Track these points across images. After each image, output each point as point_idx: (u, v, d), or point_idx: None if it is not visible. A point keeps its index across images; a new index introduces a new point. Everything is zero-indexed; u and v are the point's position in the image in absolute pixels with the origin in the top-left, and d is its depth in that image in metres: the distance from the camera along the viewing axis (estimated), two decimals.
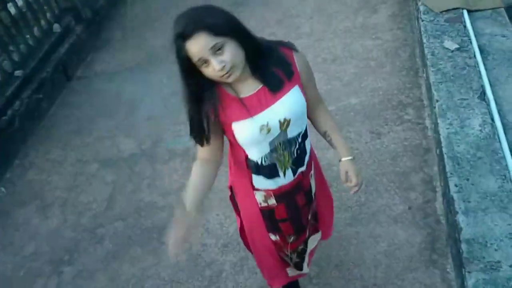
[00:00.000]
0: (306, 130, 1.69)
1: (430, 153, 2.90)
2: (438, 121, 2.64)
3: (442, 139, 2.53)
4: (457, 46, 3.10)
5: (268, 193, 1.75)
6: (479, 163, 2.35)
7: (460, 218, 2.14)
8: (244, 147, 1.62)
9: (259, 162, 1.65)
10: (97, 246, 2.95)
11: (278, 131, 1.57)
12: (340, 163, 1.81)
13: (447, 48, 3.12)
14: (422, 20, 3.44)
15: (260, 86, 1.54)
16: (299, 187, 1.78)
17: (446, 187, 2.41)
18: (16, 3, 4.20)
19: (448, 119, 2.62)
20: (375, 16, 4.26)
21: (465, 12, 3.39)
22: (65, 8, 4.80)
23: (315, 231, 2.05)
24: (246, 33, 1.48)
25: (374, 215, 2.66)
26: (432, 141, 2.96)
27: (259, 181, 1.72)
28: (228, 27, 1.42)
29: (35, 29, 4.40)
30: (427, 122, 3.11)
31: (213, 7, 1.46)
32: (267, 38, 1.59)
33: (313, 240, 2.07)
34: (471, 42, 3.11)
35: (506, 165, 2.30)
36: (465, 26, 3.26)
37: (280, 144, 1.61)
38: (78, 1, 4.85)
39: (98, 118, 4.03)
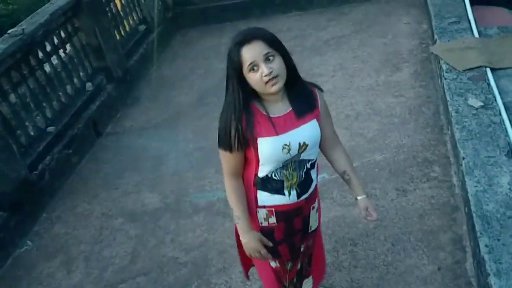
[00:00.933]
0: (315, 162, 1.87)
1: (458, 212, 2.84)
2: (465, 178, 2.60)
3: (470, 197, 2.48)
4: (481, 103, 3.11)
5: (270, 211, 1.88)
6: (510, 223, 2.29)
7: (492, 280, 2.06)
8: (261, 163, 1.77)
9: (269, 175, 1.80)
10: None
11: (296, 152, 1.76)
12: (358, 200, 1.98)
13: (471, 106, 3.12)
14: (445, 78, 3.48)
15: (289, 109, 1.75)
16: (299, 210, 1.92)
17: (476, 247, 2.34)
18: (51, 62, 4.43)
19: (476, 176, 2.58)
20: (398, 74, 4.33)
21: (488, 70, 3.42)
22: (97, 68, 5.02)
23: (307, 275, 2.16)
24: (290, 58, 1.72)
25: (402, 276, 2.58)
26: (460, 199, 2.90)
27: (263, 197, 1.85)
28: (279, 44, 1.68)
29: (68, 87, 4.60)
30: (454, 180, 3.07)
31: (268, 31, 1.70)
32: None
33: (306, 285, 2.18)
34: (495, 100, 3.11)
35: None
36: (489, 84, 3.28)
37: (292, 163, 1.78)
38: (110, 61, 5.09)
39: (125, 173, 4.11)
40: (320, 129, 1.82)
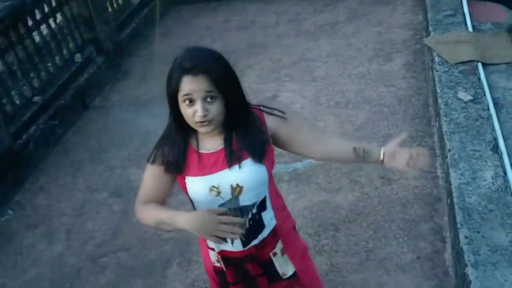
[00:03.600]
0: (264, 202, 1.60)
1: (440, 203, 2.88)
2: (450, 171, 2.63)
3: (453, 189, 2.51)
4: (470, 97, 3.13)
5: (218, 256, 1.69)
6: (490, 216, 2.32)
7: (469, 271, 2.10)
8: (194, 203, 1.58)
9: None
10: (99, 276, 2.92)
11: (229, 196, 1.52)
12: (384, 156, 1.58)
13: (460, 99, 3.15)
14: (437, 71, 3.49)
15: (222, 147, 1.52)
16: (250, 257, 1.67)
17: (456, 238, 2.37)
18: (41, 31, 4.35)
19: (460, 169, 2.61)
20: (390, 64, 4.33)
21: (479, 65, 3.44)
22: (88, 40, 4.93)
23: None
24: (240, 97, 1.49)
25: (382, 263, 2.61)
26: (443, 191, 2.93)
27: (209, 242, 1.65)
28: (227, 87, 1.44)
29: (57, 58, 4.52)
30: (439, 171, 3.10)
31: (225, 62, 1.47)
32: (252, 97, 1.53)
33: None
34: (484, 95, 3.14)
35: None
36: (479, 79, 3.30)
37: (230, 210, 1.50)
38: (101, 34, 5.00)
39: (111, 147, 4.07)
40: (297, 142, 1.61)
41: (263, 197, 1.60)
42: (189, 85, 1.40)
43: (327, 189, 3.16)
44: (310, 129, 1.67)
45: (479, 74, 3.36)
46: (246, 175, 1.51)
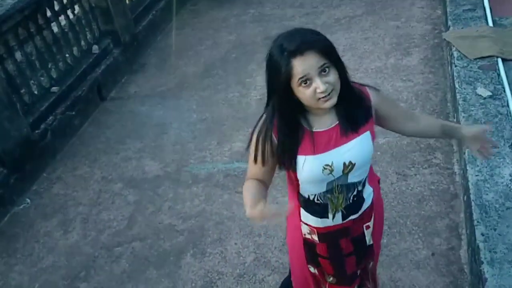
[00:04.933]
0: (366, 181, 1.66)
1: (457, 199, 2.84)
2: (467, 167, 2.60)
3: (470, 186, 2.48)
4: (490, 93, 3.08)
5: (312, 229, 1.73)
6: (508, 213, 2.29)
7: (485, 269, 2.08)
8: (301, 182, 1.60)
9: (311, 199, 1.63)
10: (114, 265, 2.95)
11: (341, 173, 1.56)
12: (466, 135, 1.69)
13: (479, 95, 3.10)
14: (456, 66, 3.44)
15: (335, 123, 1.53)
16: (346, 232, 1.73)
17: (472, 235, 2.35)
18: (59, 23, 4.38)
19: (478, 166, 2.58)
20: (408, 59, 4.28)
21: (499, 60, 3.38)
22: (105, 31, 4.97)
23: None
24: (344, 67, 1.49)
25: (396, 259, 2.60)
26: (460, 187, 2.90)
27: (305, 215, 1.71)
28: (334, 53, 1.45)
29: (75, 49, 4.56)
30: (456, 168, 3.06)
31: (321, 34, 1.48)
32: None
33: None
34: (504, 91, 3.09)
35: None
36: (499, 75, 3.25)
37: (338, 187, 1.59)
38: (118, 26, 5.02)
39: (127, 138, 4.10)
40: (391, 120, 1.65)
41: (367, 174, 1.66)
42: (301, 66, 1.39)
43: None
44: (403, 108, 1.81)
45: (498, 69, 3.30)
46: (358, 151, 1.54)
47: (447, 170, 3.07)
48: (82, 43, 4.66)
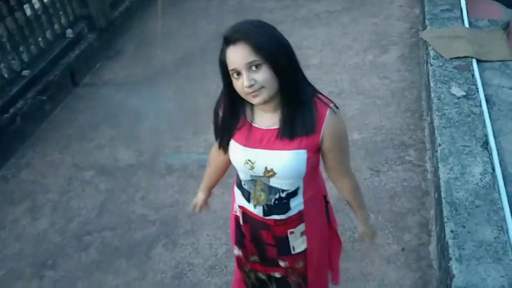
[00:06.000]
0: (295, 191, 1.59)
1: (428, 196, 2.89)
2: (439, 165, 2.63)
3: (441, 183, 2.52)
4: (464, 93, 3.13)
5: (239, 208, 1.76)
6: (477, 212, 2.33)
7: (454, 265, 2.11)
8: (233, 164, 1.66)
9: (238, 182, 1.70)
10: (82, 254, 2.89)
11: (261, 174, 1.55)
12: (361, 233, 1.90)
13: (453, 94, 3.15)
14: (431, 65, 3.48)
15: (275, 127, 1.48)
16: (266, 226, 1.69)
17: (441, 232, 2.39)
18: (33, 5, 4.25)
19: (449, 164, 2.61)
20: (385, 56, 4.31)
21: (474, 61, 3.43)
22: (80, 15, 4.84)
23: None
24: (291, 67, 1.41)
25: (367, 253, 2.62)
26: (431, 185, 2.95)
27: (237, 192, 1.74)
28: (272, 54, 1.36)
29: (48, 32, 4.43)
30: (428, 165, 3.11)
31: (270, 28, 1.42)
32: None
33: None
34: (478, 91, 3.14)
35: (504, 216, 2.29)
36: (473, 75, 3.30)
37: (260, 182, 1.58)
38: (94, 10, 4.90)
39: (100, 126, 4.02)
40: (324, 158, 1.56)
41: (295, 187, 1.58)
42: (231, 57, 1.37)
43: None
44: (345, 163, 1.64)
45: (473, 70, 3.36)
46: (282, 164, 1.49)
47: (419, 167, 3.11)
48: (56, 26, 4.53)
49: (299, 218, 1.67)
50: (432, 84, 3.29)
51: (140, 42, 5.28)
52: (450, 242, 2.21)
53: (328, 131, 1.48)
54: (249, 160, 1.52)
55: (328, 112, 1.47)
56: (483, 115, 2.93)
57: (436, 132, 2.86)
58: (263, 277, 1.91)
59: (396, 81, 3.97)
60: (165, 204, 3.15)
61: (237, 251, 1.89)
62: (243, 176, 1.64)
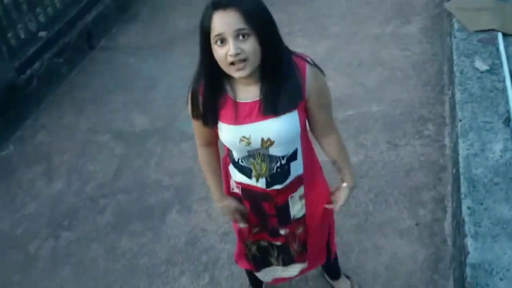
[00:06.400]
0: (295, 154, 1.58)
1: (445, 172, 2.85)
2: (459, 140, 2.58)
3: (460, 159, 2.48)
4: (487, 67, 3.04)
5: (237, 185, 1.72)
6: (495, 189, 2.30)
7: (469, 242, 2.09)
8: (226, 144, 1.59)
9: (236, 160, 1.62)
10: (98, 216, 2.93)
11: (259, 146, 1.51)
12: (341, 185, 1.75)
13: (477, 69, 3.06)
14: (455, 37, 3.38)
15: (258, 98, 1.44)
16: (268, 197, 1.70)
17: (458, 208, 2.36)
18: None
19: (469, 140, 2.56)
20: (407, 27, 4.20)
21: (499, 35, 3.32)
22: None
23: (302, 259, 1.95)
24: (275, 39, 1.38)
25: (380, 226, 2.61)
26: (449, 160, 2.90)
27: (233, 170, 1.69)
28: (261, 22, 1.33)
29: None
30: (447, 140, 3.05)
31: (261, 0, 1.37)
32: (296, 40, 1.48)
33: (295, 268, 1.99)
34: (502, 66, 3.05)
35: None
36: (498, 49, 3.20)
37: (259, 155, 1.54)
38: None
39: (115, 90, 4.01)
40: (310, 116, 1.54)
41: (294, 149, 1.58)
42: (219, 22, 1.30)
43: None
44: (330, 118, 1.61)
45: (498, 44, 3.25)
46: (278, 130, 1.46)
47: (437, 142, 3.06)
48: None
49: (298, 181, 1.68)
50: (455, 57, 3.20)
51: (157, 6, 5.20)
52: (466, 218, 2.19)
53: (312, 86, 1.46)
54: (244, 137, 1.48)
55: (307, 67, 1.46)
56: (506, 91, 2.84)
57: (457, 107, 2.80)
58: (265, 243, 1.92)
59: (417, 53, 3.87)
60: (179, 171, 3.15)
61: (243, 225, 1.86)
62: (238, 154, 1.58)
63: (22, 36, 3.89)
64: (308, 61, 1.47)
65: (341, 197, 1.75)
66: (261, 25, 1.32)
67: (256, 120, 1.45)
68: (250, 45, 1.31)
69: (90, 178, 3.20)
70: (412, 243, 2.51)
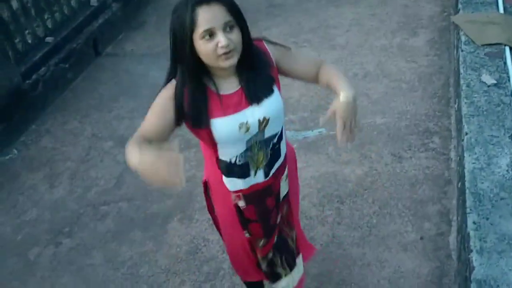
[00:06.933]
0: (282, 132, 1.66)
1: (450, 185, 2.82)
2: (465, 154, 2.55)
3: (466, 173, 2.44)
4: (494, 81, 3.02)
5: (237, 195, 1.70)
6: (501, 204, 2.26)
7: (474, 257, 2.06)
8: (220, 146, 1.55)
9: (232, 161, 1.59)
10: (99, 223, 2.91)
11: (257, 130, 1.53)
12: (340, 101, 1.49)
13: (483, 82, 3.04)
14: (462, 50, 3.36)
15: (239, 87, 1.50)
16: (268, 190, 1.73)
17: (463, 222, 2.32)
18: None
19: (475, 153, 2.53)
20: (414, 39, 4.19)
21: (507, 49, 3.30)
22: None
23: (297, 249, 1.98)
24: (248, 31, 1.45)
25: (384, 239, 2.58)
26: (455, 174, 2.87)
27: (230, 182, 1.67)
28: (240, 14, 1.41)
29: (73, 0, 4.41)
30: (452, 154, 3.02)
31: None
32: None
33: (298, 264, 2.00)
34: (509, 80, 3.02)
35: None
36: (505, 63, 3.18)
37: (256, 143, 1.57)
38: None
39: (120, 96, 4.01)
40: (291, 71, 1.61)
41: (282, 125, 1.64)
42: (206, 17, 1.33)
43: (336, 161, 3.11)
44: (306, 56, 1.83)
45: (505, 58, 3.23)
46: (270, 106, 1.52)
47: (443, 155, 3.03)
48: None
49: (285, 160, 1.75)
50: (461, 70, 3.18)
51: (164, 14, 5.21)
52: (471, 233, 2.15)
53: (274, 52, 1.57)
54: (242, 123, 1.49)
55: (265, 43, 1.58)
56: None
57: (463, 120, 2.77)
58: (271, 255, 1.91)
59: (424, 65, 3.85)
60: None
61: (247, 235, 1.84)
62: (237, 150, 1.56)
63: (29, 41, 3.91)
64: (263, 40, 1.59)
65: (340, 111, 1.47)
66: (241, 16, 1.41)
67: (247, 105, 1.50)
68: (236, 35, 1.39)
69: (92, 184, 3.18)
70: (416, 257, 2.48)
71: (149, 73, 4.29)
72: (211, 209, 1.90)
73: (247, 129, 1.51)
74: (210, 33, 1.35)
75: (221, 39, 1.34)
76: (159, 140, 1.51)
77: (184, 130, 3.63)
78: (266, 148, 1.60)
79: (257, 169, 1.63)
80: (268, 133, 1.58)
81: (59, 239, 2.85)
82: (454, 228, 2.58)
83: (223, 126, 1.48)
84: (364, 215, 2.72)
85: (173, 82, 1.50)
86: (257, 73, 1.51)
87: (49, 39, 4.08)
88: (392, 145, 3.16)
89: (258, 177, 1.66)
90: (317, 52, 4.18)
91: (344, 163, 3.08)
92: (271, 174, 1.68)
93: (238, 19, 1.39)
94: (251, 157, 1.59)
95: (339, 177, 2.99)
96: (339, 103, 1.48)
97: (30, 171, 3.35)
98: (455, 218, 2.63)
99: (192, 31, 1.35)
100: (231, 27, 1.37)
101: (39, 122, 3.81)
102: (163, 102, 1.50)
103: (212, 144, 1.55)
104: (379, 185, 2.88)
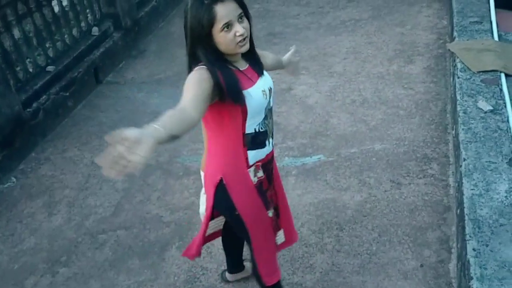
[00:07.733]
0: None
1: (450, 212, 2.81)
2: (463, 180, 2.55)
3: (465, 199, 2.44)
4: (491, 108, 3.05)
5: (257, 166, 1.88)
6: (501, 230, 2.25)
7: (475, 285, 2.04)
8: (249, 116, 1.73)
9: (257, 130, 1.79)
10: (96, 252, 2.89)
11: (268, 97, 1.80)
12: (284, 63, 2.21)
13: (480, 109, 3.06)
14: (458, 77, 3.40)
15: (247, 65, 1.78)
16: (272, 158, 1.98)
17: (463, 249, 2.31)
18: (61, 1, 4.30)
19: (474, 180, 2.53)
20: (410, 67, 4.24)
21: (502, 75, 3.34)
22: (106, 14, 4.89)
23: (277, 228, 2.10)
24: (251, 21, 1.70)
25: (384, 267, 2.56)
26: (454, 200, 2.86)
27: (252, 155, 1.84)
28: (246, 6, 1.66)
29: (74, 29, 4.48)
30: (451, 180, 3.02)
31: None
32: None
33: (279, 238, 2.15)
34: (505, 106, 3.05)
35: None
36: (501, 89, 3.21)
37: (268, 111, 1.83)
38: (120, 9, 4.95)
39: (120, 124, 4.03)
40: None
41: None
42: (224, 11, 1.57)
43: (334, 187, 3.10)
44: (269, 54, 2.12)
45: (501, 84, 3.27)
46: (268, 79, 1.84)
47: (442, 181, 3.03)
48: (82, 24, 4.58)
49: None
50: (458, 97, 3.21)
51: (165, 42, 5.30)
52: (471, 260, 2.14)
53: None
54: (263, 90, 1.76)
55: None
56: (510, 131, 2.83)
57: (461, 146, 2.78)
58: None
59: (421, 92, 3.89)
60: (180, 206, 3.13)
61: (271, 214, 1.99)
62: (260, 118, 1.77)
63: (31, 70, 3.96)
64: None
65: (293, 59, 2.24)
66: (247, 8, 1.67)
67: (259, 77, 1.79)
68: (247, 25, 1.65)
69: (91, 212, 3.17)
70: (417, 285, 2.45)
71: (150, 100, 4.33)
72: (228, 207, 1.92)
73: (266, 96, 1.78)
74: (228, 25, 1.59)
75: (238, 29, 1.60)
76: (196, 109, 1.60)
77: (183, 157, 3.65)
78: (271, 116, 1.88)
79: (269, 137, 1.87)
80: (271, 102, 1.85)
81: (56, 268, 2.82)
82: (454, 255, 2.56)
83: (254, 94, 1.72)
84: (364, 242, 2.70)
85: (199, 67, 1.65)
86: (254, 54, 1.80)
87: (50, 68, 4.13)
88: (390, 171, 3.16)
89: (269, 146, 1.89)
90: (315, 79, 4.22)
91: (343, 189, 3.07)
92: (272, 144, 1.93)
93: (245, 11, 1.65)
94: (267, 125, 1.84)
95: (338, 203, 2.98)
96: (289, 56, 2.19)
97: (29, 199, 3.34)
98: (454, 245, 2.61)
99: (211, 26, 1.59)
100: (242, 18, 1.63)
101: (39, 150, 3.82)
102: (199, 73, 1.63)
103: (243, 118, 1.73)
104: (378, 212, 2.87)
